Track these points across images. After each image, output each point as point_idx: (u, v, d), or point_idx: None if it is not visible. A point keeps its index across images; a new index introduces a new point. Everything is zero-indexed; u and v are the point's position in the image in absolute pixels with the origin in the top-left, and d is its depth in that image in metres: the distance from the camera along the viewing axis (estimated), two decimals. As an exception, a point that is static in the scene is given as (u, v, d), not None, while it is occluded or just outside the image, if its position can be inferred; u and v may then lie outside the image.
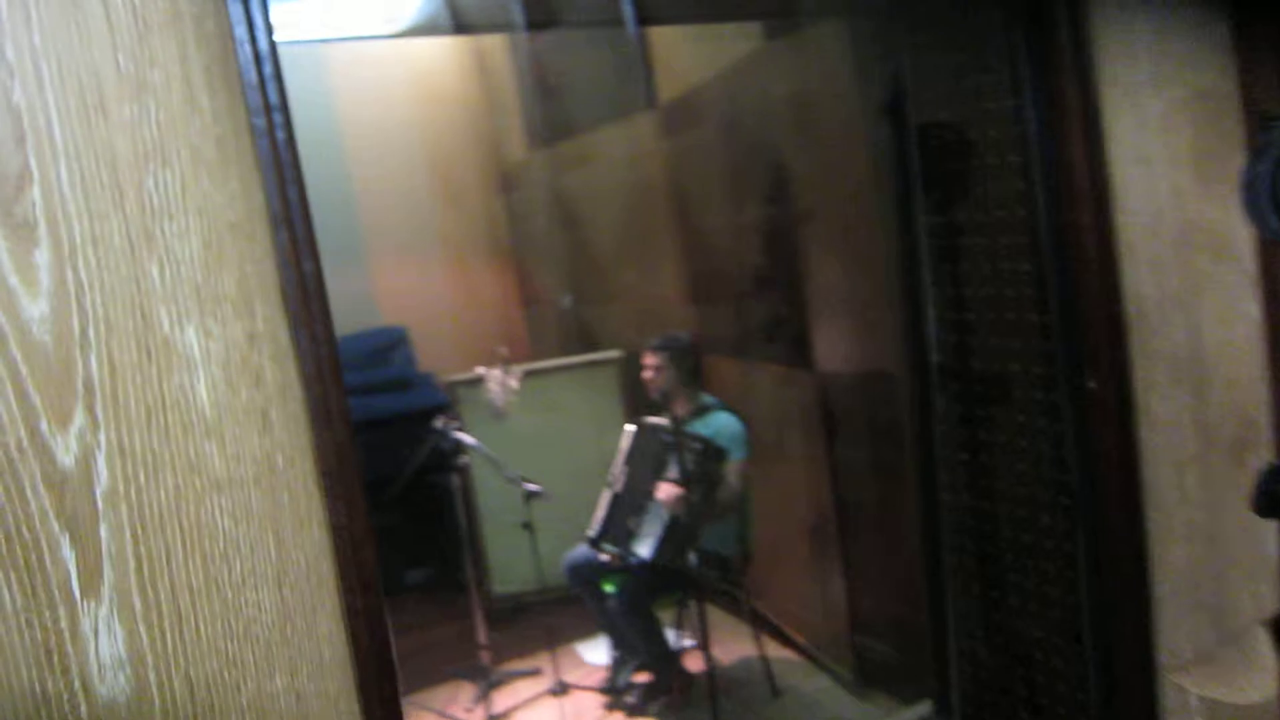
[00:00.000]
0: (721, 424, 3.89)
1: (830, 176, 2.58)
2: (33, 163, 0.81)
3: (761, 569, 4.27)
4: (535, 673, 4.30)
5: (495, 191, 5.40)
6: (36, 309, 0.81)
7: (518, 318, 5.42)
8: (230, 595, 0.92)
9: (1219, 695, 1.66)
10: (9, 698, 0.80)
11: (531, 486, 3.93)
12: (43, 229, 0.81)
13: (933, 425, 1.97)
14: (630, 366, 4.35)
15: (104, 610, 0.84)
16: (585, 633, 4.49)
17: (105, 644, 0.84)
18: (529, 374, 4.52)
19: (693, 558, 3.86)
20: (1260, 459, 1.49)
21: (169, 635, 0.87)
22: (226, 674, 0.91)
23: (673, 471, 3.54)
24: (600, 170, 4.66)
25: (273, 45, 1.02)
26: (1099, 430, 1.63)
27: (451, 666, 4.35)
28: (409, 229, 5.20)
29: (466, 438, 4.05)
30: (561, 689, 4.09)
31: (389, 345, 4.85)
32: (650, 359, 3.91)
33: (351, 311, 4.85)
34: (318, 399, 1.02)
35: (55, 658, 0.83)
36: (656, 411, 3.86)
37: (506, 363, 4.01)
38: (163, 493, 0.87)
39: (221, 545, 0.91)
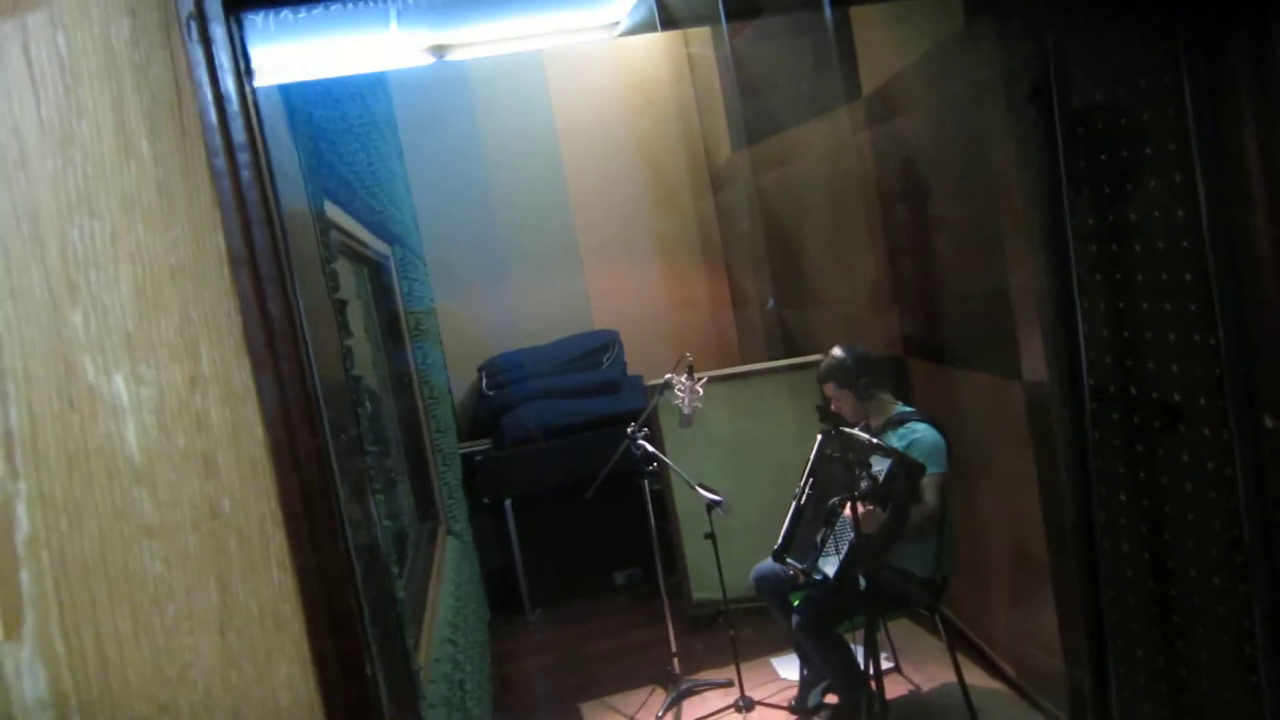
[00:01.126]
0: (918, 436, 3.57)
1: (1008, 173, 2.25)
2: None
3: (967, 591, 3.90)
4: (726, 685, 4.20)
5: (704, 192, 5.32)
6: None
7: (727, 320, 5.32)
8: (162, 641, 0.90)
9: None
10: None
11: (712, 496, 3.81)
12: (-36, 284, 0.83)
13: (1087, 457, 1.64)
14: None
15: (26, 653, 0.85)
16: (781, 646, 4.33)
17: (29, 686, 0.85)
18: (730, 379, 4.41)
19: (885, 577, 3.58)
20: None
21: (94, 680, 0.87)
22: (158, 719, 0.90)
23: (862, 486, 3.28)
24: (805, 166, 4.44)
25: (241, 84, 1.00)
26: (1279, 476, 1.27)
27: (648, 672, 4.34)
28: (623, 232, 5.24)
29: (649, 447, 4.00)
30: (748, 705, 3.95)
31: (600, 348, 4.92)
32: (826, 389, 3.70)
33: (566, 315, 4.98)
34: (281, 441, 0.99)
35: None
36: (845, 426, 3.61)
37: (691, 369, 3.92)
38: (86, 540, 0.87)
39: (152, 590, 0.90)
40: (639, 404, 4.63)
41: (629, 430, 3.98)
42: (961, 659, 3.59)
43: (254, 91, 1.02)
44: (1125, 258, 1.50)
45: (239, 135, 0.99)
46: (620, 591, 4.97)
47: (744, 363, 5.02)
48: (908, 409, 3.66)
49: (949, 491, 3.50)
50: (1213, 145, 1.26)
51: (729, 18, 1.73)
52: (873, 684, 3.45)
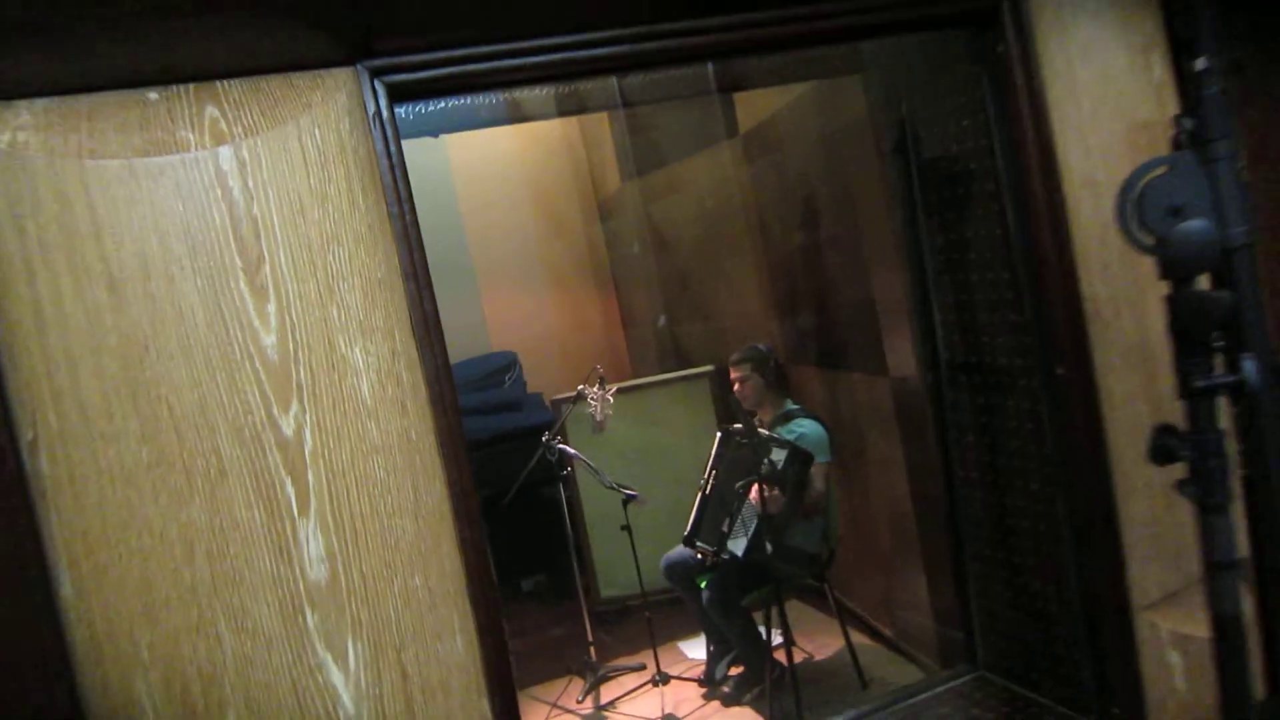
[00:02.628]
0: (806, 429, 4.37)
1: (870, 199, 3.05)
2: (264, 249, 1.42)
3: (849, 565, 4.70)
4: (640, 668, 4.82)
5: (593, 220, 6.02)
6: (269, 340, 1.41)
7: (619, 338, 6.01)
8: (385, 520, 1.50)
9: (1186, 630, 2.05)
10: (260, 577, 1.40)
11: (628, 491, 4.48)
12: (271, 290, 1.42)
13: (946, 415, 2.43)
14: (720, 380, 4.85)
15: (311, 525, 1.43)
16: (686, 631, 5.01)
17: (312, 546, 1.43)
18: (629, 390, 5.09)
19: (780, 553, 4.33)
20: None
21: (349, 543, 1.46)
22: (384, 569, 1.49)
23: (760, 474, 4.02)
24: (687, 196, 5.20)
25: (401, 160, 1.61)
26: (1069, 409, 2.07)
27: (564, 665, 4.93)
28: (517, 259, 5.87)
29: (570, 449, 4.65)
30: (663, 680, 4.59)
31: (502, 369, 5.51)
32: (734, 372, 4.45)
33: (465, 339, 5.56)
34: (436, 394, 1.60)
35: (284, 554, 1.42)
36: (746, 420, 4.38)
37: (603, 380, 4.58)
38: (343, 453, 1.46)
39: (379, 488, 1.50)
40: (541, 419, 5.25)
41: (544, 438, 4.60)
42: (849, 627, 4.38)
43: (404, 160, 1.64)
44: (964, 264, 2.29)
45: (403, 192, 1.60)
46: (528, 597, 5.53)
47: (635, 376, 5.72)
48: (795, 406, 4.48)
49: (831, 478, 4.32)
50: (1014, 186, 2.06)
51: (624, 105, 2.42)
52: (773, 652, 4.18)
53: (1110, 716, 2.15)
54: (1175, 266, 1.56)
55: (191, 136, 1.40)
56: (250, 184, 1.41)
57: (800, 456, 4.01)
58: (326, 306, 1.46)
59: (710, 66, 2.36)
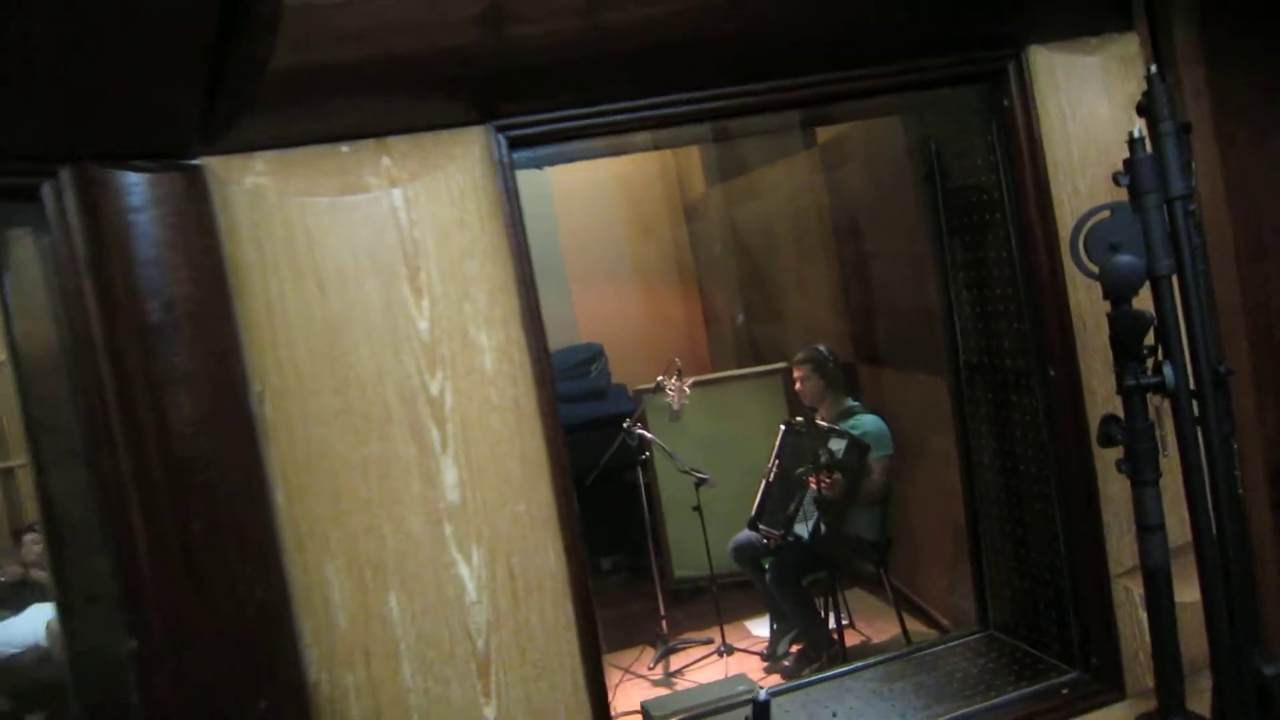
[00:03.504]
0: (866, 424, 4.94)
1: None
2: (421, 262, 2.09)
3: (908, 555, 5.24)
4: (708, 642, 5.46)
5: (679, 222, 6.65)
6: (423, 325, 2.09)
7: (699, 334, 6.64)
8: (500, 463, 2.17)
9: (1154, 594, 2.58)
10: (412, 496, 2.07)
11: (700, 475, 5.11)
12: (425, 291, 2.09)
13: (965, 410, 2.99)
14: (791, 377, 5.42)
15: (448, 461, 2.10)
16: (752, 611, 5.62)
17: (449, 475, 2.10)
18: (706, 384, 5.70)
19: (841, 541, 4.92)
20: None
21: (474, 476, 2.13)
22: (498, 497, 2.16)
23: (822, 461, 4.61)
24: (767, 202, 5.79)
25: (516, 194, 2.26)
26: (1059, 404, 2.62)
27: (638, 637, 5.58)
28: (605, 256, 6.56)
29: (648, 435, 5.29)
30: (728, 651, 5.21)
31: (589, 359, 6.20)
32: (797, 371, 5.06)
33: (557, 331, 6.27)
34: (538, 371, 2.26)
35: (429, 481, 2.10)
36: (808, 414, 4.98)
37: (680, 372, 5.22)
38: (472, 410, 2.13)
39: (496, 438, 2.16)
40: (624, 408, 5.91)
41: (625, 425, 5.26)
42: (904, 613, 4.93)
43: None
44: (982, 279, 2.85)
45: (517, 216, 2.25)
46: (607, 575, 6.19)
47: (714, 370, 6.34)
48: (855, 403, 5.05)
49: (893, 471, 4.88)
50: (1016, 216, 2.62)
51: (715, 140, 3.05)
52: (831, 632, 4.76)
53: (1090, 667, 2.68)
54: (1111, 290, 2.11)
55: (373, 180, 2.08)
56: (412, 215, 2.09)
57: (859, 447, 4.58)
58: (462, 304, 2.13)
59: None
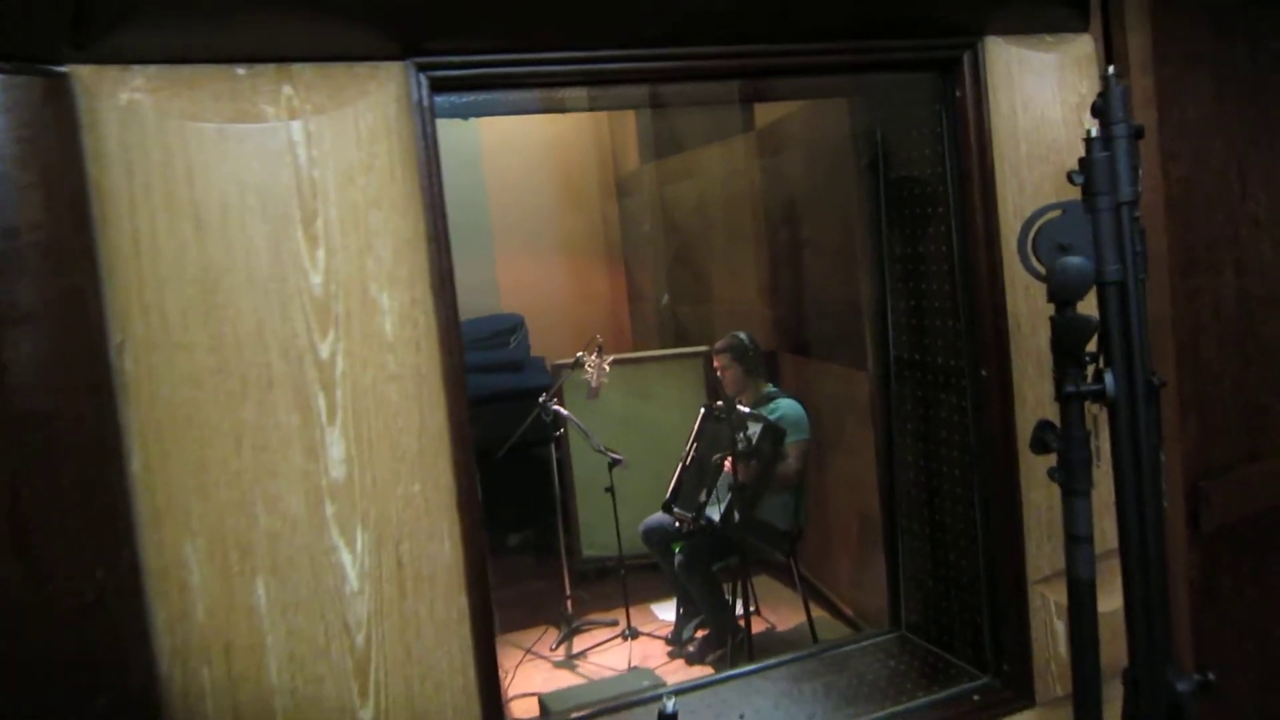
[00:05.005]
0: (783, 408, 4.77)
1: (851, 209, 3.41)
2: (319, 207, 1.80)
3: (817, 546, 5.09)
4: (612, 624, 5.25)
5: (611, 196, 6.38)
6: (316, 279, 1.80)
7: (623, 312, 6.40)
8: (395, 437, 1.88)
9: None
10: (292, 471, 1.79)
11: (614, 455, 4.87)
12: (321, 240, 1.80)
13: (892, 406, 2.81)
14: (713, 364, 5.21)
15: (335, 433, 1.82)
16: (659, 594, 5.42)
17: (336, 449, 1.82)
18: (627, 362, 5.46)
19: (752, 528, 4.74)
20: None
21: (364, 451, 1.85)
22: (391, 476, 1.88)
23: (739, 446, 4.42)
24: (700, 183, 5.56)
25: (434, 141, 1.98)
26: (989, 407, 2.44)
27: (541, 615, 5.34)
28: (533, 226, 6.25)
29: (563, 411, 5.03)
30: (632, 635, 5.01)
31: (509, 329, 5.90)
32: (717, 360, 4.87)
33: (476, 297, 5.95)
34: (445, 338, 1.98)
35: (312, 454, 1.81)
36: (727, 399, 4.77)
37: (601, 349, 4.97)
38: (368, 376, 1.85)
39: (393, 410, 1.88)
40: (541, 382, 5.64)
41: (540, 400, 4.99)
42: (810, 603, 4.78)
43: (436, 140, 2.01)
44: (918, 274, 2.65)
45: (434, 166, 1.97)
46: (513, 552, 5.94)
47: (636, 349, 6.10)
48: (775, 389, 4.86)
49: (808, 457, 4.71)
50: (961, 207, 2.42)
51: (653, 105, 2.80)
52: (737, 619, 4.59)
53: (1001, 674, 2.53)
54: (1057, 292, 1.92)
55: (270, 109, 1.77)
56: (313, 153, 1.79)
57: (774, 431, 4.40)
58: (364, 258, 1.84)
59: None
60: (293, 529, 1.80)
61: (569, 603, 5.22)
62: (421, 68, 1.94)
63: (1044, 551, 2.46)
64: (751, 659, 4.08)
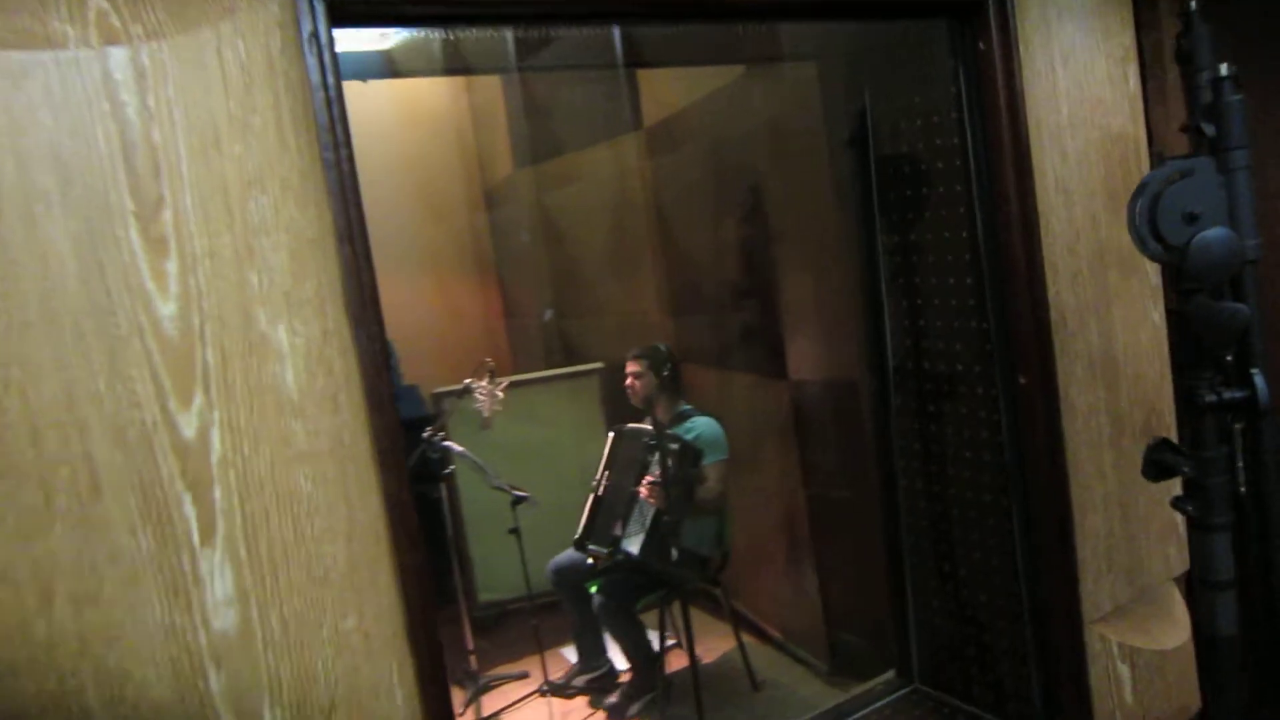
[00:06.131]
0: (700, 428, 4.10)
1: (801, 199, 2.82)
2: (165, 190, 1.02)
3: (740, 568, 4.47)
4: (523, 676, 4.46)
5: (479, 207, 5.59)
6: (167, 308, 1.01)
7: (500, 331, 5.61)
8: (312, 546, 1.12)
9: (1138, 643, 1.90)
10: (145, 630, 1.00)
11: (519, 492, 4.10)
12: (172, 244, 1.02)
13: (890, 422, 2.21)
14: (610, 378, 4.54)
15: (218, 557, 1.04)
16: (570, 637, 4.66)
17: (219, 585, 1.04)
18: (512, 385, 4.69)
19: (675, 556, 4.04)
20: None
21: (266, 579, 1.07)
22: (310, 613, 1.11)
23: (653, 472, 3.74)
24: (583, 188, 4.88)
25: (339, 90, 1.23)
26: (1029, 419, 1.88)
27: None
28: (394, 243, 5.36)
29: (455, 446, 4.22)
30: (551, 689, 4.25)
31: (376, 358, 5.01)
32: (631, 367, 4.15)
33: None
34: (373, 387, 1.23)
35: (179, 595, 1.02)
36: (637, 418, 4.07)
37: (493, 374, 4.20)
38: (261, 461, 1.07)
39: (306, 506, 1.11)
40: (417, 413, 4.79)
41: (425, 435, 4.16)
42: (741, 630, 4.14)
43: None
44: (919, 267, 2.07)
45: (341, 134, 1.22)
46: (400, 600, 5.04)
47: (517, 371, 5.33)
48: (689, 407, 4.21)
49: (727, 477, 4.07)
50: (987, 189, 1.85)
51: (520, 69, 2.09)
52: (664, 659, 3.91)
53: (1055, 735, 1.98)
54: (1193, 276, 1.36)
55: (70, 30, 0.97)
56: (150, 102, 1.01)
57: (690, 452, 3.75)
58: (244, 269, 1.07)
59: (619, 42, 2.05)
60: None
61: (472, 659, 4.40)
62: (313, -17, 1.19)
63: (1104, 586, 1.91)
64: (698, 697, 3.45)
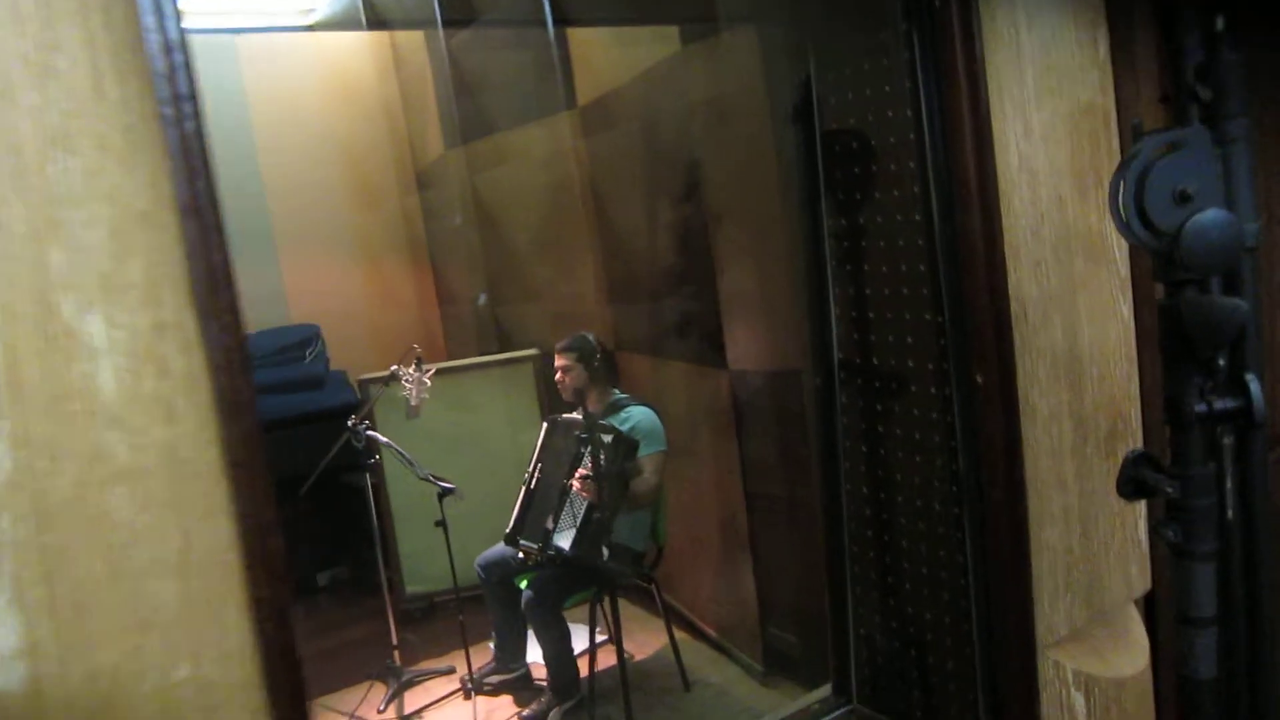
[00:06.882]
0: (637, 418, 3.92)
1: (743, 179, 2.64)
2: None
3: (675, 563, 4.31)
4: (449, 671, 4.27)
5: (410, 189, 5.34)
6: None
7: (433, 317, 5.37)
8: (131, 584, 0.91)
9: (1094, 670, 1.76)
10: None
11: (445, 484, 3.90)
12: (-60, 214, 0.80)
13: (835, 419, 2.05)
14: (546, 365, 4.36)
15: (2, 600, 0.82)
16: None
17: (2, 635, 0.82)
18: (444, 373, 4.47)
19: (607, 551, 3.87)
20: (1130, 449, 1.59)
21: (65, 628, 0.86)
22: (128, 665, 0.90)
23: (586, 464, 3.57)
24: (517, 169, 4.66)
25: (182, 34, 1.01)
26: (985, 422, 1.72)
27: (364, 669, 4.28)
28: (322, 225, 5.10)
29: (379, 436, 4.00)
30: (475, 688, 4.08)
31: (301, 343, 4.74)
32: (560, 360, 3.95)
33: (261, 308, 4.74)
34: (225, 390, 1.01)
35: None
36: (570, 409, 3.88)
37: (420, 361, 3.98)
38: (63, 482, 0.86)
39: (123, 535, 0.90)
40: (344, 400, 4.56)
41: (349, 423, 3.93)
42: (673, 626, 3.99)
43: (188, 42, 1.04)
44: (867, 252, 1.90)
45: (183, 86, 1.00)
46: (324, 592, 4.84)
47: (451, 358, 5.11)
48: (624, 396, 4.02)
49: (664, 470, 3.89)
50: (943, 166, 1.68)
51: (445, 24, 1.88)
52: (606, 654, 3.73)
53: (1002, 761, 1.84)
54: (1185, 266, 1.21)
55: None
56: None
57: (624, 444, 3.57)
58: (44, 247, 0.85)
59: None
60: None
61: (396, 654, 4.19)
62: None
63: (1059, 606, 1.77)
64: (626, 698, 3.31)
